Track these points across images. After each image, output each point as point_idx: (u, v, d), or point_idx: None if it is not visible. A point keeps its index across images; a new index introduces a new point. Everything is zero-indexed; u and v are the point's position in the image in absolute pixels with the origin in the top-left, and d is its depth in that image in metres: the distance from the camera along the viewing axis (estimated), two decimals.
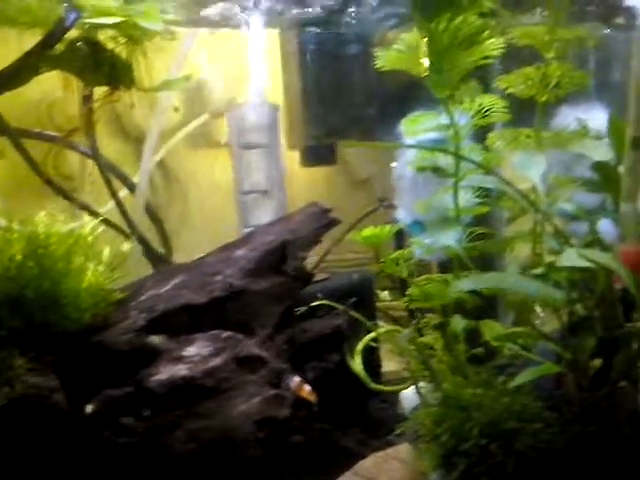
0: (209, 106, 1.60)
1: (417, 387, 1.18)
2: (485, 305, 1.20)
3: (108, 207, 1.44)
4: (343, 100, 1.47)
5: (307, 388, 0.94)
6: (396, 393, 1.30)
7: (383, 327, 1.31)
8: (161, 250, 1.48)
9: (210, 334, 0.93)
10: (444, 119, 1.00)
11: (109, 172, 1.40)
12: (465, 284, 0.86)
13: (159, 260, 1.42)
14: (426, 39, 0.87)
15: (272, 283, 1.00)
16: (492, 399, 0.98)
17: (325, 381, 1.01)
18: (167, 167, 1.73)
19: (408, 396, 1.25)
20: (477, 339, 1.15)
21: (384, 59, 0.91)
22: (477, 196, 1.20)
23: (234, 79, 1.57)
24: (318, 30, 1.48)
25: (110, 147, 1.61)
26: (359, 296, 1.25)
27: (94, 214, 1.38)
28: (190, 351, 0.91)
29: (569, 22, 1.15)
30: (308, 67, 1.47)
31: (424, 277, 1.25)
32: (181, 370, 0.89)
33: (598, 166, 1.00)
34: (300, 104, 1.48)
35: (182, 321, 0.95)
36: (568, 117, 1.32)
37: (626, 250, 0.99)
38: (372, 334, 1.20)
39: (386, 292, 1.32)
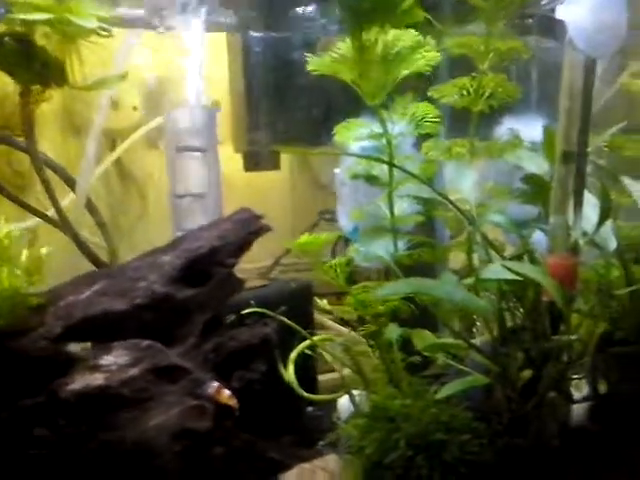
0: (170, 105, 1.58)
1: (351, 396, 1.18)
2: (425, 315, 1.21)
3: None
4: (287, 104, 1.45)
5: (226, 393, 0.91)
6: (334, 402, 1.29)
7: (319, 335, 1.31)
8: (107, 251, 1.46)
9: (129, 343, 0.90)
10: (377, 127, 0.99)
11: (53, 171, 1.36)
12: (385, 290, 0.85)
13: (98, 263, 1.39)
14: (356, 47, 0.86)
15: (198, 290, 0.98)
16: (420, 410, 0.98)
17: (252, 391, 0.99)
18: (124, 166, 1.71)
19: (345, 405, 1.24)
20: (414, 347, 1.15)
21: (316, 64, 0.90)
22: (419, 205, 1.21)
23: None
24: (263, 33, 1.46)
25: (65, 146, 1.58)
26: (296, 304, 1.24)
27: (37, 214, 1.35)
28: (107, 360, 0.88)
29: (511, 34, 1.16)
30: (252, 71, 1.46)
31: (360, 285, 1.25)
32: (97, 380, 0.86)
33: (528, 178, 1.01)
34: (244, 108, 1.46)
35: (101, 329, 0.92)
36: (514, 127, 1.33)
37: (554, 262, 1.00)
38: (306, 342, 1.19)
39: (325, 300, 1.30)
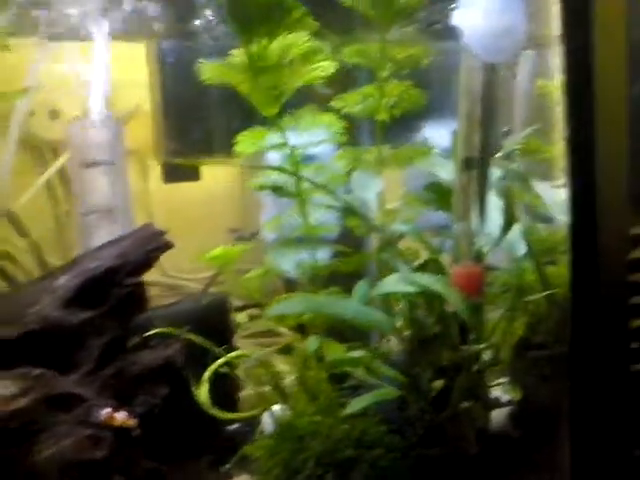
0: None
1: (271, 412, 1.16)
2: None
3: None
4: (205, 114, 1.42)
5: (120, 416, 0.88)
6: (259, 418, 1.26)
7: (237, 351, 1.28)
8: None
9: (17, 372, 0.85)
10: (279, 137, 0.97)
11: None
12: (275, 309, 0.83)
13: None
14: (247, 56, 0.84)
15: (95, 313, 0.94)
16: (330, 426, 0.96)
17: (156, 415, 0.96)
18: (67, 176, 1.67)
19: (269, 420, 1.22)
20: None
21: (209, 72, 0.87)
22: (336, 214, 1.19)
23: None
24: (178, 43, 1.43)
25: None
26: (212, 319, 1.21)
27: None
28: None
29: (422, 41, 1.15)
30: (170, 80, 1.43)
31: (281, 297, 1.23)
32: None
33: (430, 187, 1.00)
34: (162, 118, 1.43)
35: None
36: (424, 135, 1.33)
37: (458, 271, 0.99)
38: (220, 360, 1.16)
39: (243, 314, 1.28)
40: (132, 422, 0.89)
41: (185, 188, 1.59)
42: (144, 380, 0.95)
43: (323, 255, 1.22)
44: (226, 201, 1.67)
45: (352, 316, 0.84)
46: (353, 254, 1.24)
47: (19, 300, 0.93)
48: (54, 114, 1.60)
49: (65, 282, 0.93)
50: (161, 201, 1.59)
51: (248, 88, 0.86)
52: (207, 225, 1.61)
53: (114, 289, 0.96)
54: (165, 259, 1.76)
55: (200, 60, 0.91)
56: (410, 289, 0.85)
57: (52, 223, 1.65)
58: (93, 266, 0.95)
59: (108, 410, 0.86)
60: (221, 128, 1.42)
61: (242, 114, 1.45)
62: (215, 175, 1.60)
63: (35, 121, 1.55)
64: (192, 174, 1.43)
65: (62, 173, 1.64)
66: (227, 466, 1.01)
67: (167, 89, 1.43)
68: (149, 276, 1.70)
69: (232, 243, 1.42)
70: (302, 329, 1.21)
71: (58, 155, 1.60)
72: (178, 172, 1.43)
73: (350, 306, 0.85)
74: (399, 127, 1.19)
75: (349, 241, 1.27)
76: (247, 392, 1.33)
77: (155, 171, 1.65)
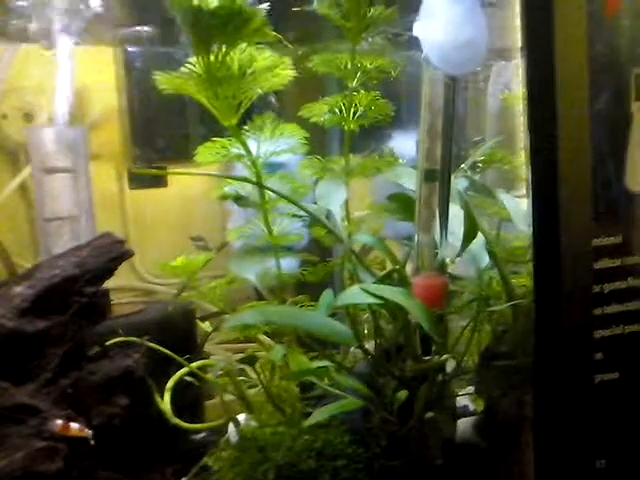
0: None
1: (235, 422, 1.15)
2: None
3: None
4: (170, 121, 1.42)
5: (75, 426, 0.87)
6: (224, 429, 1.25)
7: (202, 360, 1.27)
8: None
9: None
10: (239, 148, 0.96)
11: None
12: (231, 321, 0.82)
13: None
14: (203, 65, 0.83)
15: (52, 323, 0.92)
16: (292, 437, 0.95)
17: (117, 426, 0.94)
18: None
19: (234, 431, 1.21)
20: None
21: (166, 82, 0.86)
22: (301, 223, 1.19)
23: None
24: (144, 48, 1.42)
25: None
26: (176, 327, 1.20)
27: None
28: None
29: (389, 51, 1.15)
30: (134, 87, 1.42)
31: (246, 306, 1.22)
32: None
33: (394, 197, 1.00)
34: (128, 124, 1.42)
35: None
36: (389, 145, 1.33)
37: (419, 282, 0.99)
38: (183, 370, 1.15)
39: (207, 322, 1.27)
40: (87, 432, 0.88)
41: (153, 194, 1.58)
42: (103, 390, 0.94)
43: (290, 264, 1.21)
44: (193, 208, 1.66)
45: (314, 328, 0.83)
46: (319, 263, 1.24)
47: None
48: (28, 117, 1.59)
49: (21, 291, 0.91)
50: (130, 206, 1.58)
51: (206, 98, 0.85)
52: (174, 232, 1.60)
53: (73, 298, 0.95)
54: (140, 263, 1.77)
55: (162, 67, 0.90)
56: (371, 300, 0.85)
57: (26, 227, 1.63)
58: (50, 275, 0.94)
59: (60, 422, 0.85)
60: (188, 135, 1.42)
61: (210, 121, 1.46)
62: (182, 182, 1.59)
63: (9, 124, 1.54)
64: (159, 181, 1.42)
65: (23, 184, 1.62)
66: (184, 479, 1.00)
67: (134, 95, 1.42)
68: (123, 281, 1.70)
69: (194, 252, 1.42)
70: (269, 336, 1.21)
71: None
72: (145, 178, 1.42)
73: (311, 318, 0.85)
74: (364, 137, 1.20)
75: (318, 250, 1.27)
76: (216, 400, 1.33)
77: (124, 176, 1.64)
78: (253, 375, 1.15)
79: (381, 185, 1.36)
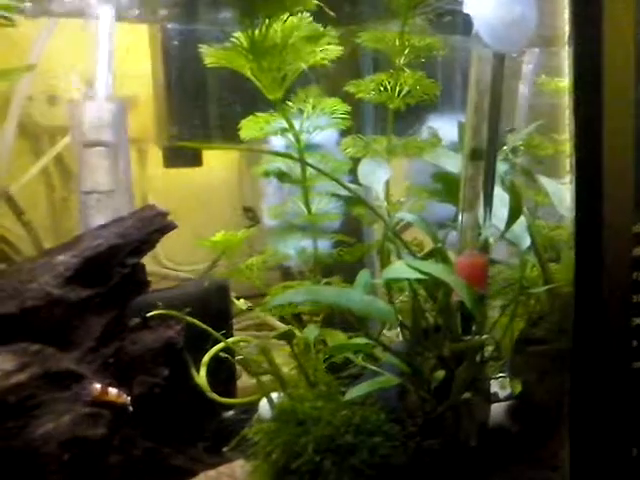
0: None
1: (269, 399, 1.15)
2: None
3: None
4: (209, 99, 1.41)
5: (113, 391, 0.88)
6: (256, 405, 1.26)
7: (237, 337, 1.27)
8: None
9: (16, 347, 0.84)
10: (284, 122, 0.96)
11: None
12: (277, 299, 0.82)
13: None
14: (248, 37, 0.83)
15: (95, 292, 0.93)
16: (331, 412, 0.95)
17: (155, 396, 0.95)
18: (64, 162, 1.65)
19: (266, 408, 1.21)
20: None
21: (212, 56, 0.86)
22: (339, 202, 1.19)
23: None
24: (182, 25, 1.42)
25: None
26: (211, 304, 1.20)
27: None
28: None
29: (428, 31, 1.15)
30: (172, 64, 1.42)
31: (280, 285, 1.22)
32: None
33: (438, 176, 0.99)
34: (164, 102, 1.42)
35: None
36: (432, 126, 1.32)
37: (463, 261, 0.98)
38: (219, 345, 1.15)
39: (242, 300, 1.27)
40: (124, 399, 0.89)
41: (185, 174, 1.59)
42: (144, 360, 0.94)
43: (323, 245, 1.21)
44: (225, 188, 1.66)
45: (356, 306, 0.83)
46: (355, 244, 1.24)
47: (18, 276, 0.92)
48: (52, 100, 1.59)
49: (65, 259, 0.92)
50: (159, 188, 1.59)
51: (252, 71, 0.85)
52: (205, 213, 1.60)
53: (115, 268, 0.95)
54: (160, 248, 1.77)
55: (201, 44, 0.90)
56: (416, 276, 0.85)
57: (48, 210, 1.64)
58: (94, 244, 0.94)
59: (98, 386, 0.85)
60: (224, 113, 1.41)
61: (246, 99, 1.45)
62: (216, 162, 1.59)
63: (33, 106, 1.54)
64: (194, 160, 1.42)
65: (59, 160, 1.64)
66: (225, 449, 1.00)
67: (170, 73, 1.42)
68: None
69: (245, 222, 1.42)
70: (299, 319, 1.21)
71: (55, 141, 1.59)
72: (180, 157, 1.42)
73: (354, 296, 0.84)
74: (404, 118, 1.19)
75: (349, 231, 1.27)
76: (243, 382, 1.33)
77: (154, 158, 1.64)
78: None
79: (417, 169, 1.36)
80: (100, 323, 0.92)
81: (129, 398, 0.90)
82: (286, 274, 1.31)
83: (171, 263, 1.71)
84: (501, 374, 1.19)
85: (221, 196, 1.64)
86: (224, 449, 1.00)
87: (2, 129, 1.46)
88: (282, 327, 1.46)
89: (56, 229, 1.63)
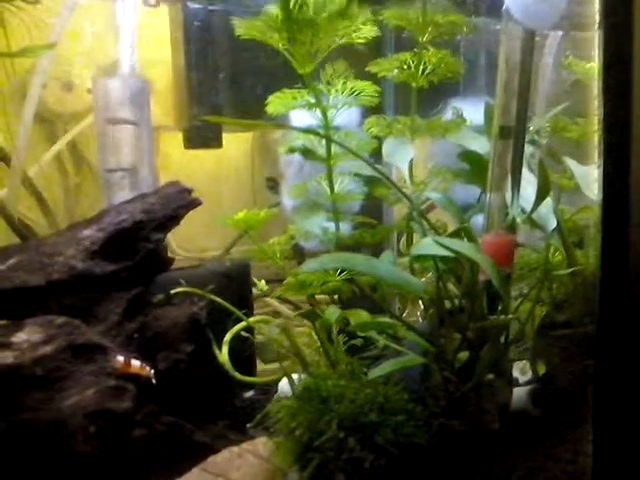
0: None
1: (290, 378, 1.15)
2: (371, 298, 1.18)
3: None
4: (228, 79, 1.40)
5: (136, 363, 0.88)
6: (275, 386, 1.25)
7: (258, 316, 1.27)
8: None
9: (43, 319, 0.84)
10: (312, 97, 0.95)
11: None
12: (311, 264, 0.82)
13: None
14: (284, 9, 0.82)
15: (120, 266, 0.93)
16: (354, 391, 0.95)
17: (179, 372, 0.95)
18: (78, 149, 1.65)
19: (285, 388, 1.21)
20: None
21: (245, 28, 0.86)
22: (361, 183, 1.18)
23: None
24: (203, 5, 1.41)
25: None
26: (232, 284, 1.20)
27: None
28: (18, 337, 0.82)
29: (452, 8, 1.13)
30: (192, 44, 1.41)
31: (297, 269, 1.21)
32: (7, 358, 0.81)
33: (465, 155, 0.98)
34: (184, 82, 1.41)
35: (16, 303, 0.86)
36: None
37: (490, 240, 0.98)
38: (241, 324, 1.15)
39: (263, 281, 1.26)
40: (148, 372, 0.89)
41: (201, 158, 1.58)
42: (168, 336, 0.94)
43: (343, 227, 1.21)
44: (238, 175, 1.65)
45: (388, 276, 0.83)
46: (377, 226, 1.23)
47: (44, 250, 0.92)
48: (67, 87, 1.59)
49: (91, 233, 0.92)
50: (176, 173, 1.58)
51: (283, 45, 0.85)
52: (217, 202, 1.59)
53: (140, 243, 0.95)
54: (172, 236, 1.76)
55: (225, 23, 0.89)
56: (444, 253, 0.84)
57: (62, 195, 1.64)
58: (119, 220, 0.94)
59: (121, 358, 0.85)
60: (244, 94, 1.40)
61: (266, 79, 1.45)
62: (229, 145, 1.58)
63: (48, 93, 1.54)
64: (214, 140, 1.41)
65: (73, 146, 1.64)
66: (249, 425, 1.00)
67: (190, 53, 1.41)
68: None
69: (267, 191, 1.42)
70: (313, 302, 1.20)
71: (69, 128, 1.59)
72: (200, 138, 1.41)
73: (385, 267, 0.84)
74: (426, 99, 1.18)
75: (369, 213, 1.26)
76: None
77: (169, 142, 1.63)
78: None
79: (438, 151, 1.35)
80: (125, 298, 0.92)
81: (153, 371, 0.89)
82: (301, 259, 1.31)
83: (182, 250, 1.71)
84: (523, 358, 1.19)
85: (233, 183, 1.63)
86: (248, 425, 1.00)
87: (21, 114, 1.46)
88: (288, 312, 1.46)
89: (70, 215, 1.63)
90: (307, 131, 0.99)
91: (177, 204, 0.97)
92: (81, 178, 1.69)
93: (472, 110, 1.28)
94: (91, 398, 0.81)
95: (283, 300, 1.44)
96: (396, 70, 1.03)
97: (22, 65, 1.44)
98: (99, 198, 1.67)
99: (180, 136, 1.50)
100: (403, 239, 1.33)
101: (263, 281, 1.30)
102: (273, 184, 1.45)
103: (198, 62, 1.39)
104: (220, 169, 1.71)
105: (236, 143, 1.64)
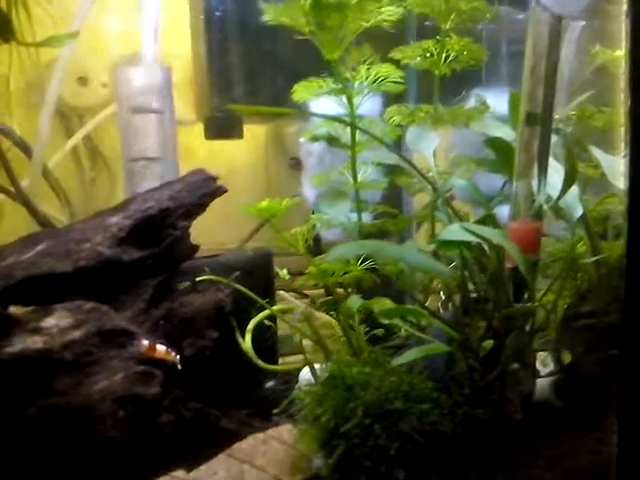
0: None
1: (311, 367, 1.15)
2: (391, 288, 1.18)
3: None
4: (251, 69, 1.40)
5: (161, 348, 0.88)
6: (296, 377, 1.26)
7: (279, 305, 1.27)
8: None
9: (71, 305, 0.85)
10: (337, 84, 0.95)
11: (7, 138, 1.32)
12: (339, 250, 0.82)
13: None
14: None
15: (147, 253, 0.93)
16: (379, 378, 0.95)
17: (204, 359, 0.95)
18: (93, 143, 1.66)
19: (306, 379, 1.21)
20: (378, 319, 1.12)
21: (272, 13, 0.86)
22: (383, 172, 1.18)
23: None
24: None
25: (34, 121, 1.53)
26: (255, 273, 1.20)
27: None
28: (48, 323, 0.83)
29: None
30: (214, 33, 1.41)
31: (324, 255, 1.21)
32: (36, 343, 0.81)
33: (491, 142, 0.98)
34: (205, 72, 1.41)
35: (43, 290, 0.87)
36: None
37: (516, 227, 0.97)
38: (264, 312, 1.15)
39: (285, 270, 1.26)
40: (173, 357, 0.89)
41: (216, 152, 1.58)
42: (194, 322, 0.95)
43: (365, 216, 1.20)
44: (250, 169, 1.65)
45: (417, 263, 0.82)
46: (398, 215, 1.23)
47: (71, 237, 0.92)
48: (82, 81, 1.60)
49: (118, 221, 0.92)
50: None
51: (313, 29, 0.84)
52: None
53: (166, 231, 0.95)
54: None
55: (249, 10, 0.89)
56: (472, 239, 0.84)
57: (77, 190, 1.65)
58: (145, 207, 0.94)
59: (146, 342, 0.85)
60: (265, 84, 1.40)
61: (292, 69, 1.45)
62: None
63: (63, 87, 1.55)
64: (235, 131, 1.41)
65: (88, 140, 1.65)
66: (275, 411, 1.00)
67: (211, 42, 1.40)
68: None
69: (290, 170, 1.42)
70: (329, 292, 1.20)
71: (84, 122, 1.60)
72: (221, 129, 1.41)
73: (412, 253, 0.83)
74: (447, 88, 1.17)
75: (389, 203, 1.25)
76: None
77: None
78: None
79: (459, 141, 1.34)
80: (151, 285, 0.93)
81: (178, 357, 0.90)
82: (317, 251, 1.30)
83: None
84: (545, 349, 1.18)
85: (247, 178, 1.64)
86: (274, 411, 1.00)
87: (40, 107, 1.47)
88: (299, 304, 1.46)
89: (85, 209, 1.64)
90: (333, 119, 0.99)
91: (203, 192, 0.98)
92: (96, 172, 1.70)
93: (493, 100, 1.28)
94: (120, 383, 0.81)
95: (299, 294, 1.45)
96: (419, 58, 1.02)
97: (42, 57, 1.45)
98: (114, 192, 1.69)
99: (195, 130, 1.51)
100: (422, 228, 1.32)
101: (285, 270, 1.30)
102: (296, 162, 1.45)
103: (218, 52, 1.39)
104: (234, 163, 1.71)
105: (250, 137, 1.64)
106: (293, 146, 1.76)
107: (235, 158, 1.71)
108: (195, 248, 1.01)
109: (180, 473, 0.86)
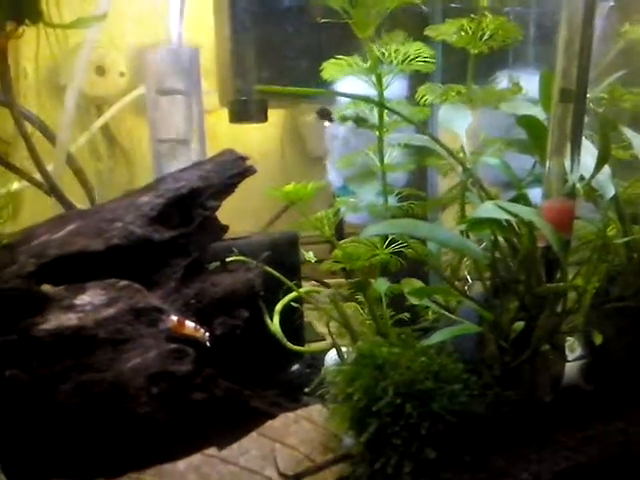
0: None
1: (338, 349, 1.15)
2: (416, 272, 1.17)
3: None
4: (276, 51, 1.39)
5: (190, 324, 0.88)
6: (322, 362, 1.25)
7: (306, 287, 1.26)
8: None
9: (104, 282, 0.85)
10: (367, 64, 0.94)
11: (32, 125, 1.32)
12: (371, 230, 0.81)
13: None
14: None
15: (178, 233, 0.93)
16: (409, 358, 0.94)
17: (235, 338, 0.95)
18: (111, 133, 1.66)
19: (332, 362, 1.21)
20: (403, 304, 1.11)
21: None
22: (410, 154, 1.17)
23: None
24: None
25: (53, 110, 1.53)
26: (281, 255, 1.20)
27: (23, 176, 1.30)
28: (82, 300, 0.83)
29: None
30: (238, 15, 1.39)
31: (349, 239, 1.21)
32: (71, 319, 0.82)
33: (523, 120, 0.96)
34: (229, 55, 1.40)
35: (76, 268, 0.87)
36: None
37: (549, 206, 0.96)
38: (292, 294, 1.15)
39: (311, 253, 1.26)
40: (202, 334, 0.89)
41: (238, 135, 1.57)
42: (225, 302, 0.95)
43: (390, 199, 1.20)
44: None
45: (451, 242, 0.82)
46: (426, 198, 1.22)
47: (103, 216, 0.93)
48: (100, 70, 1.60)
49: (149, 200, 0.92)
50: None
51: (346, 5, 0.84)
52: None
53: (197, 210, 0.95)
54: None
55: None
56: (505, 216, 0.83)
57: (95, 179, 1.65)
58: (176, 186, 0.94)
59: (175, 318, 0.85)
60: (291, 66, 1.39)
61: (317, 52, 1.43)
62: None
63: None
64: (260, 115, 1.40)
65: (106, 130, 1.64)
66: (306, 389, 1.00)
67: (236, 25, 1.39)
68: None
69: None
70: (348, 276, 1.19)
71: (102, 111, 1.60)
72: (246, 112, 1.41)
73: (444, 232, 0.83)
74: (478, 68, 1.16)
75: (415, 185, 1.24)
76: None
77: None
78: None
79: (487, 122, 1.33)
80: (182, 264, 0.93)
81: (207, 334, 0.90)
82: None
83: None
84: (574, 333, 1.17)
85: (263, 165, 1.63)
86: (305, 389, 1.00)
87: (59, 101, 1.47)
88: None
89: (103, 199, 1.64)
90: (362, 98, 0.98)
91: (232, 172, 0.97)
92: (114, 162, 1.70)
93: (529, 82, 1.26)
94: (153, 360, 0.82)
95: (320, 282, 1.44)
96: (454, 35, 1.01)
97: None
98: (132, 181, 1.69)
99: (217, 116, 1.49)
100: (447, 211, 1.31)
101: (311, 252, 1.30)
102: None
103: (243, 34, 1.37)
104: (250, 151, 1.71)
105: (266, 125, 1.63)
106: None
107: (251, 146, 1.70)
108: (225, 229, 1.01)
109: (212, 451, 0.86)
